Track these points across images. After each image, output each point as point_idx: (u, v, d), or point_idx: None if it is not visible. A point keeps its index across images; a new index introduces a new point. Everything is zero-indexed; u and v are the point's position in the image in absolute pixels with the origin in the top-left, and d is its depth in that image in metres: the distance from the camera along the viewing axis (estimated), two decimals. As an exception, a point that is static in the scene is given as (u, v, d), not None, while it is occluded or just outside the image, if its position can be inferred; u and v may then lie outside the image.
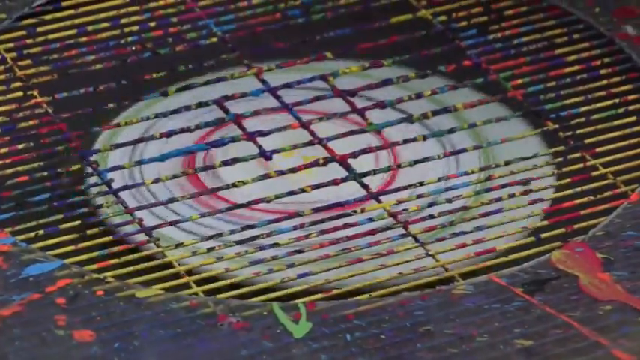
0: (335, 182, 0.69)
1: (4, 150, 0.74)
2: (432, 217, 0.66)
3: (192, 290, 0.59)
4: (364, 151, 0.72)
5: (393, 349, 0.53)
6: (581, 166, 0.71)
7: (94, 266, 0.62)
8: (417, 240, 0.63)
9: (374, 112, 0.77)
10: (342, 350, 0.53)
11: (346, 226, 0.65)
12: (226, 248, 0.64)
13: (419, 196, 0.69)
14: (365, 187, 0.69)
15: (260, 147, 0.73)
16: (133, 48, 0.84)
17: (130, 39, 0.86)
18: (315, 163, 0.71)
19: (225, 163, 0.72)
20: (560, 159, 0.72)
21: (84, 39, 0.87)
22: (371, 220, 0.65)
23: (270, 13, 0.88)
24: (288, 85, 0.79)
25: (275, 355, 0.53)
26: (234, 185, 0.70)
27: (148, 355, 0.55)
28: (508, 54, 0.83)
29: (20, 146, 0.76)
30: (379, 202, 0.68)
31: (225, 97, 0.78)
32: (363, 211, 0.67)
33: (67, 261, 0.62)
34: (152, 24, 0.87)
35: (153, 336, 0.56)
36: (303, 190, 0.69)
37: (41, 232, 0.66)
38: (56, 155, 0.76)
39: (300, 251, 0.63)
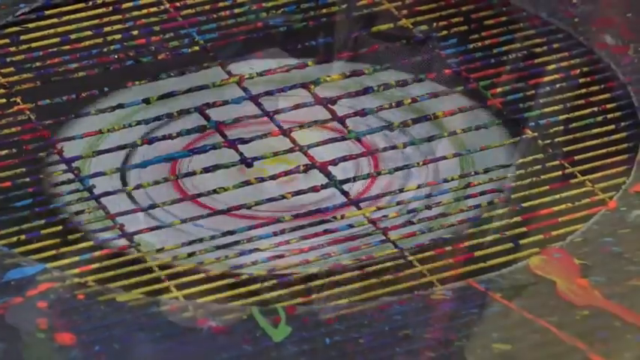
0: (315, 189, 0.70)
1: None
2: (411, 223, 0.66)
3: (172, 294, 0.60)
4: (344, 159, 0.73)
5: (371, 353, 0.54)
6: (559, 173, 0.71)
7: (76, 271, 0.62)
8: (396, 246, 0.64)
9: (355, 119, 0.78)
10: (321, 354, 0.54)
11: (326, 232, 0.65)
12: (207, 253, 0.64)
13: (398, 203, 0.69)
14: (345, 193, 0.70)
15: (241, 154, 0.73)
16: (116, 56, 0.85)
17: (112, 47, 0.86)
18: (295, 170, 0.72)
19: (206, 170, 0.72)
20: (538, 166, 0.73)
21: (67, 47, 0.87)
22: (350, 226, 0.66)
23: (253, 22, 0.89)
24: (269, 93, 0.80)
25: (255, 358, 0.54)
26: (214, 191, 0.70)
27: (128, 359, 0.55)
28: (488, 63, 0.84)
29: (3, 152, 0.76)
30: (359, 208, 0.68)
31: (207, 105, 0.78)
32: (342, 217, 0.67)
33: (49, 265, 0.62)
34: (134, 32, 0.87)
35: (133, 340, 0.56)
36: (283, 197, 0.69)
37: (23, 237, 0.66)
38: (38, 161, 0.76)
39: (280, 256, 0.63)
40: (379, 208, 0.68)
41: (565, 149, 0.74)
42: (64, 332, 0.57)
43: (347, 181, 0.71)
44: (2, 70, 0.85)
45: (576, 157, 0.72)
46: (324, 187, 0.70)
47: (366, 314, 0.56)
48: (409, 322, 0.56)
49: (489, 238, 0.65)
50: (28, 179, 0.74)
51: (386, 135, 0.77)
